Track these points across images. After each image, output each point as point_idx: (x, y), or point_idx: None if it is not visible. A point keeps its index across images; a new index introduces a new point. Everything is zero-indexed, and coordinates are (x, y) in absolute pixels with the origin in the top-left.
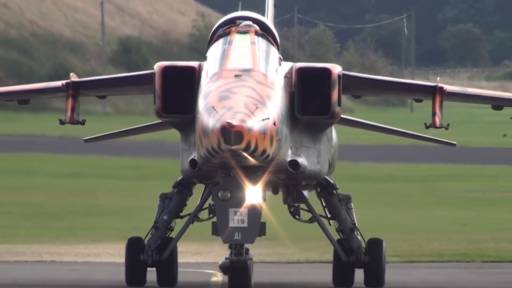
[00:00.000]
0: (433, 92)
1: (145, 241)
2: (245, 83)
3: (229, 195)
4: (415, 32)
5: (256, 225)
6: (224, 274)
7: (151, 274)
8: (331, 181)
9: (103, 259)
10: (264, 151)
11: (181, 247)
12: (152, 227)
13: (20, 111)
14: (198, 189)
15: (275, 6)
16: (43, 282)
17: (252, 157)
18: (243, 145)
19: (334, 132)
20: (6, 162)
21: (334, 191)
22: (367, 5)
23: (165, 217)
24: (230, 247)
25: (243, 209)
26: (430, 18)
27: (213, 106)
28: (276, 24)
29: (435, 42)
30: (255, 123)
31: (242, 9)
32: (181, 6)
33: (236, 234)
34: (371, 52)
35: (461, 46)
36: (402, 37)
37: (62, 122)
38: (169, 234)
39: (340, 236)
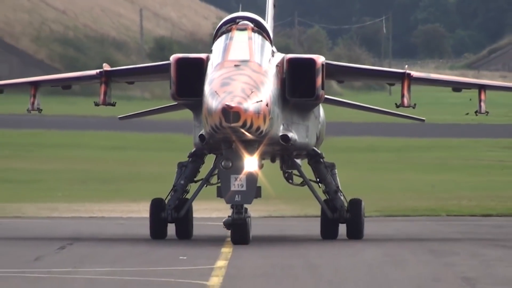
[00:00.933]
0: (402, 77)
1: (166, 201)
2: (243, 72)
3: (230, 164)
4: (392, 30)
5: (253, 188)
6: (227, 229)
7: (171, 229)
8: (319, 151)
9: (143, 215)
10: (258, 128)
11: (204, 204)
12: (171, 190)
13: (76, 96)
14: (210, 159)
15: (274, 6)
16: (96, 235)
17: (249, 132)
18: (240, 123)
19: (322, 111)
20: (65, 138)
21: (321, 160)
22: (353, 9)
23: (182, 182)
24: (232, 207)
25: (242, 176)
26: (404, 19)
27: (216, 91)
28: (280, 25)
29: (409, 39)
30: (250, 105)
31: (244, 10)
32: (204, 11)
33: (237, 196)
34: (356, 47)
35: (429, 42)
36: (381, 35)
37: (96, 104)
38: (185, 195)
39: (326, 196)
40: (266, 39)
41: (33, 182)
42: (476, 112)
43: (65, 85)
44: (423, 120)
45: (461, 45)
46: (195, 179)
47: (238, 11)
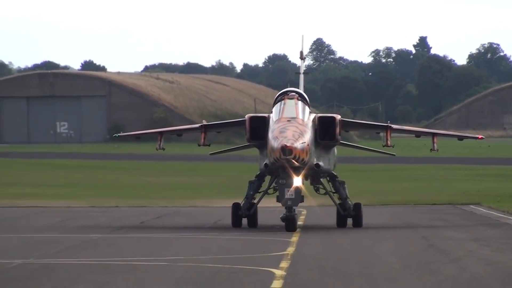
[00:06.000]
0: (386, 128)
1: (241, 204)
2: (293, 124)
3: (285, 181)
4: (385, 109)
5: (299, 196)
6: (283, 221)
7: (244, 221)
8: (335, 173)
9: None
10: (303, 159)
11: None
12: (244, 197)
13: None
14: (268, 178)
15: (305, 73)
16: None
17: (297, 162)
18: (292, 156)
19: (335, 149)
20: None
21: (336, 179)
22: (364, 98)
23: (251, 192)
24: (285, 208)
25: (292, 188)
26: (390, 103)
27: (277, 136)
28: (325, 107)
29: (393, 113)
30: (298, 145)
31: (290, 86)
32: None
33: (289, 201)
34: (365, 117)
35: (404, 115)
36: (379, 111)
37: (199, 145)
38: (253, 201)
39: (340, 201)
40: (306, 104)
41: (200, 188)
42: (431, 150)
43: (179, 133)
44: (394, 155)
45: (420, 116)
46: (260, 190)
47: (287, 87)
